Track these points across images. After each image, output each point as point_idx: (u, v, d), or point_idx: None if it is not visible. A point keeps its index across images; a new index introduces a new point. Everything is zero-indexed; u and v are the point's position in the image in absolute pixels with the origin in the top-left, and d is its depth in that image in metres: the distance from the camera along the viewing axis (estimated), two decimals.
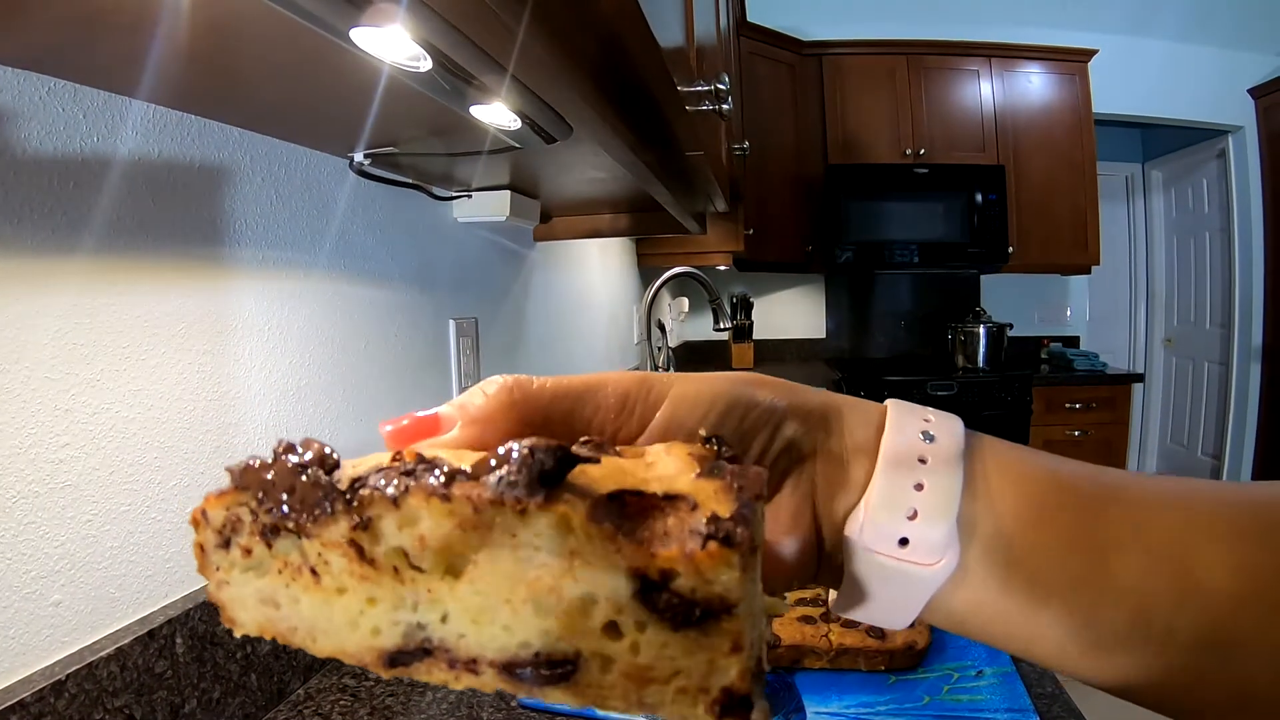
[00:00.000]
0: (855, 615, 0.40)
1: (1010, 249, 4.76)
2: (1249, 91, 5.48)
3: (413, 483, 0.26)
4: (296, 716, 0.97)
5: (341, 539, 0.28)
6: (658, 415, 0.38)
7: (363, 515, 0.27)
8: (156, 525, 0.87)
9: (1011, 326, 4.91)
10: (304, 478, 0.28)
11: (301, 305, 1.11)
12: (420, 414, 0.35)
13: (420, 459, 0.27)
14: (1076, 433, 4.60)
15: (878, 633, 1.03)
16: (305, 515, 0.28)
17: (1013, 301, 5.52)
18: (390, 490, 0.26)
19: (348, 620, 0.29)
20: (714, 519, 0.25)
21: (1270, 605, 0.34)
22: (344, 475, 0.28)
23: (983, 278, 5.51)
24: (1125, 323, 6.58)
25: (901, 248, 4.72)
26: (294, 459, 0.28)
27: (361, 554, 0.27)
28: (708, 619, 0.25)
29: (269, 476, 0.28)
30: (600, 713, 0.81)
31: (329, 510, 0.27)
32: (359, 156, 1.15)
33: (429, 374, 1.51)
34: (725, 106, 1.26)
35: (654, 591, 0.25)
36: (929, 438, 0.39)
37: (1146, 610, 0.35)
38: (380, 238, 1.32)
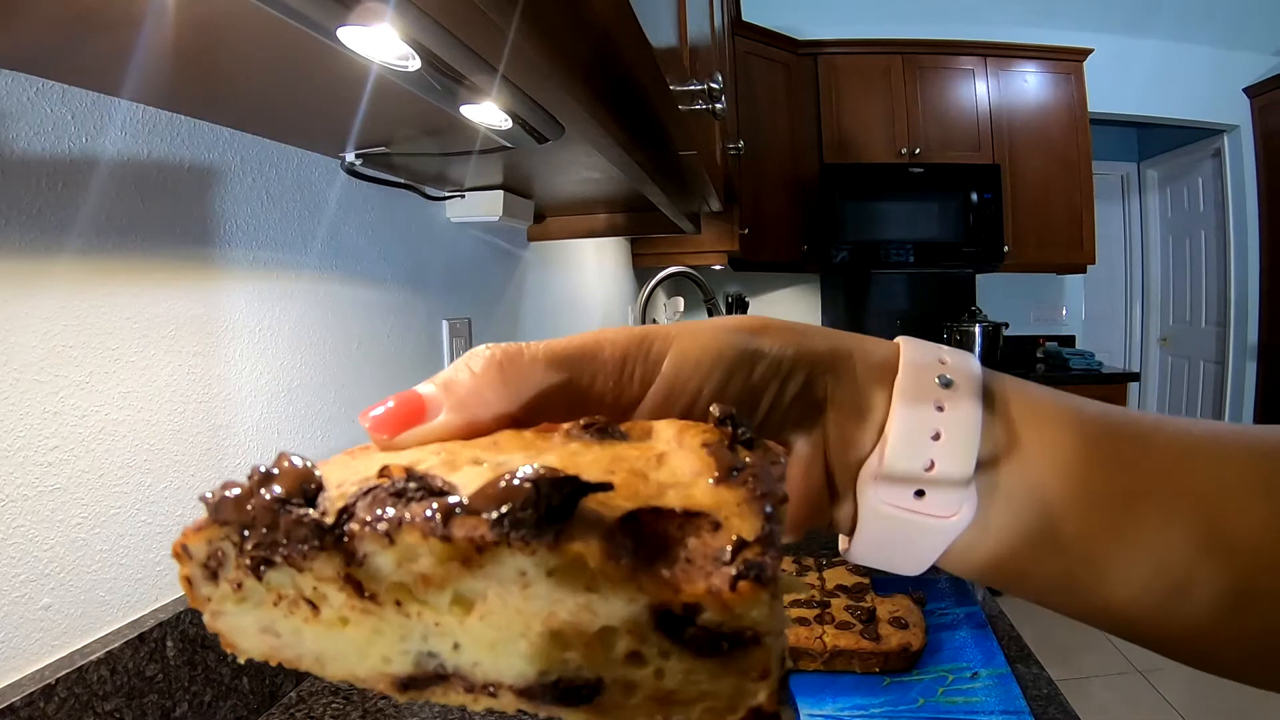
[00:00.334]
0: (868, 563, 0.39)
1: (1006, 248, 4.76)
2: (1244, 90, 5.48)
3: (406, 514, 0.24)
4: None
5: (336, 575, 0.26)
6: (659, 377, 0.35)
7: (353, 552, 0.25)
8: (147, 528, 0.86)
9: (1007, 326, 4.90)
10: (287, 513, 0.26)
11: (293, 306, 1.11)
12: (402, 396, 0.32)
13: (409, 475, 0.25)
14: None
15: (872, 635, 1.03)
16: (293, 551, 0.26)
17: (1008, 301, 5.53)
18: (382, 526, 0.24)
19: (355, 649, 0.27)
20: (739, 548, 0.23)
21: None
22: (329, 501, 0.26)
23: (978, 277, 5.51)
24: (1121, 322, 6.58)
25: (897, 247, 4.72)
26: (271, 492, 0.26)
27: (360, 589, 0.26)
28: (736, 649, 0.24)
29: (248, 509, 0.26)
30: None
31: (318, 546, 0.25)
32: (350, 156, 1.15)
33: (422, 375, 1.50)
34: (719, 106, 1.26)
35: (678, 623, 0.24)
36: (946, 382, 0.37)
37: (1171, 562, 0.35)
38: (372, 238, 1.32)
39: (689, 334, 0.36)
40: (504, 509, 0.23)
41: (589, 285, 2.91)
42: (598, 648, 0.25)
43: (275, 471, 0.26)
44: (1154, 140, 6.26)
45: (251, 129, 1.00)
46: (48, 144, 0.75)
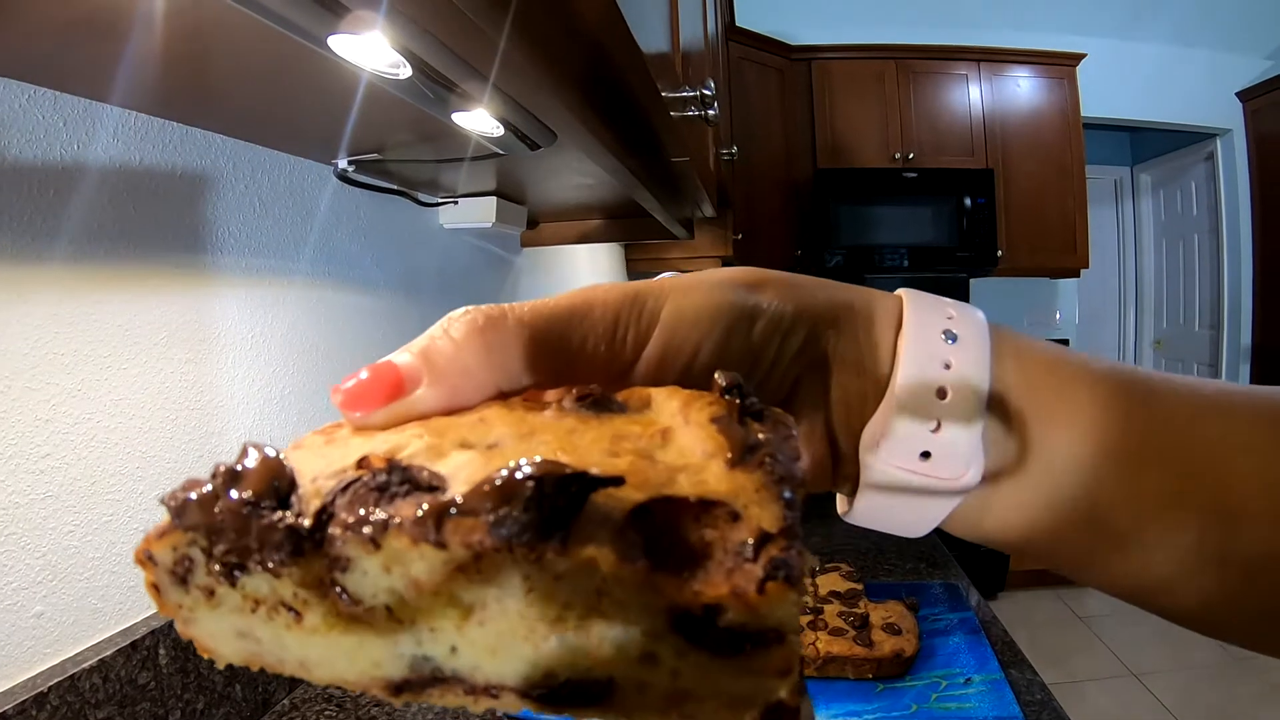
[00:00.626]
0: (869, 525, 0.38)
1: (999, 252, 4.77)
2: (1237, 94, 5.49)
3: (392, 515, 0.22)
4: None
5: (317, 581, 0.23)
6: (653, 338, 0.33)
7: (335, 557, 0.23)
8: (139, 536, 0.86)
9: None
10: (259, 517, 0.23)
11: (285, 312, 1.11)
12: (376, 367, 0.28)
13: (392, 467, 0.23)
14: None
15: (865, 641, 1.03)
16: (268, 557, 0.23)
17: (1002, 305, 5.54)
18: (366, 530, 0.22)
19: (342, 654, 0.25)
20: (761, 543, 0.21)
21: None
22: (304, 499, 0.23)
23: (972, 281, 5.52)
24: (1115, 325, 6.59)
25: (891, 251, 4.72)
26: (239, 493, 0.23)
27: (345, 593, 0.23)
28: (758, 648, 0.22)
29: (215, 513, 0.23)
30: None
31: (297, 551, 0.23)
32: (342, 163, 1.15)
33: None
34: (711, 112, 1.26)
35: (696, 624, 0.22)
36: (951, 337, 0.35)
37: (1178, 524, 0.34)
38: (365, 244, 1.32)
39: (683, 290, 0.34)
40: (504, 511, 0.21)
41: None
42: (609, 650, 0.23)
43: (241, 470, 0.24)
44: (1147, 144, 6.28)
45: (243, 135, 1.00)
46: (39, 150, 0.75)
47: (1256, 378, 5.48)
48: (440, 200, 1.55)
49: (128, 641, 0.81)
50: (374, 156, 1.12)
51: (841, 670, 1.02)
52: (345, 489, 0.23)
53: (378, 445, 0.25)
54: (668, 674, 0.23)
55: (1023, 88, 4.96)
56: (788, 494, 0.23)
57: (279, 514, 0.23)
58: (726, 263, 3.89)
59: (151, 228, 0.88)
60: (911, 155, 4.82)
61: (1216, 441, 0.34)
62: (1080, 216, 4.96)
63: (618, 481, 0.22)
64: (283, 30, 0.57)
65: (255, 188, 1.04)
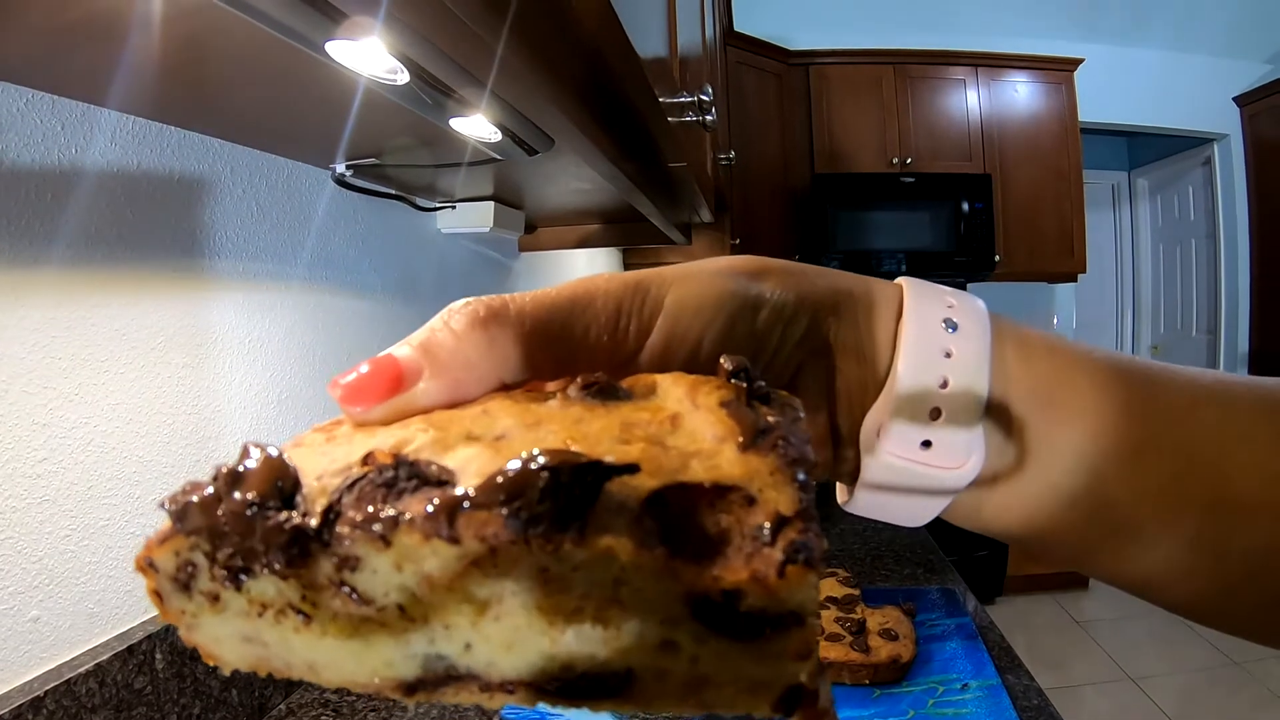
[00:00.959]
0: (869, 514, 0.38)
1: (997, 257, 4.77)
2: (1234, 99, 5.50)
3: (402, 512, 0.21)
4: None
5: (327, 581, 0.23)
6: (656, 327, 0.33)
7: (344, 556, 0.22)
8: (136, 540, 0.86)
9: None
10: (264, 519, 0.22)
11: (282, 317, 1.11)
12: (376, 361, 0.28)
13: (399, 463, 0.23)
14: None
15: (862, 646, 1.03)
16: (274, 560, 0.22)
17: (999, 309, 5.25)
18: (376, 528, 0.21)
19: (352, 656, 0.24)
20: (779, 526, 0.21)
21: None
22: (309, 498, 0.23)
23: (970, 286, 5.51)
24: (1112, 330, 6.60)
25: (889, 256, 4.73)
26: (242, 495, 0.23)
27: (355, 593, 0.23)
28: (778, 632, 0.22)
29: (218, 516, 0.23)
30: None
31: (304, 552, 0.22)
32: (340, 167, 1.15)
33: None
34: (709, 118, 1.26)
35: (716, 610, 0.22)
36: (952, 326, 0.35)
37: (1176, 514, 0.34)
38: (362, 249, 1.32)
39: (685, 279, 0.34)
40: (518, 503, 0.20)
41: None
42: (628, 640, 0.22)
43: (242, 470, 0.23)
44: (1144, 149, 6.29)
45: (241, 140, 1.00)
46: (37, 154, 0.75)
47: None
48: (438, 205, 1.55)
49: (124, 646, 0.81)
50: (372, 161, 1.12)
51: (838, 676, 1.02)
52: (352, 486, 0.23)
53: (381, 441, 0.25)
54: (687, 661, 0.23)
55: (1020, 93, 4.96)
56: (802, 476, 0.23)
57: (284, 514, 0.22)
58: None
59: (149, 232, 0.88)
60: (909, 160, 4.82)
61: (1215, 431, 0.34)
62: (1078, 221, 4.96)
63: (633, 469, 0.22)
64: (280, 36, 0.57)
65: (253, 192, 1.04)
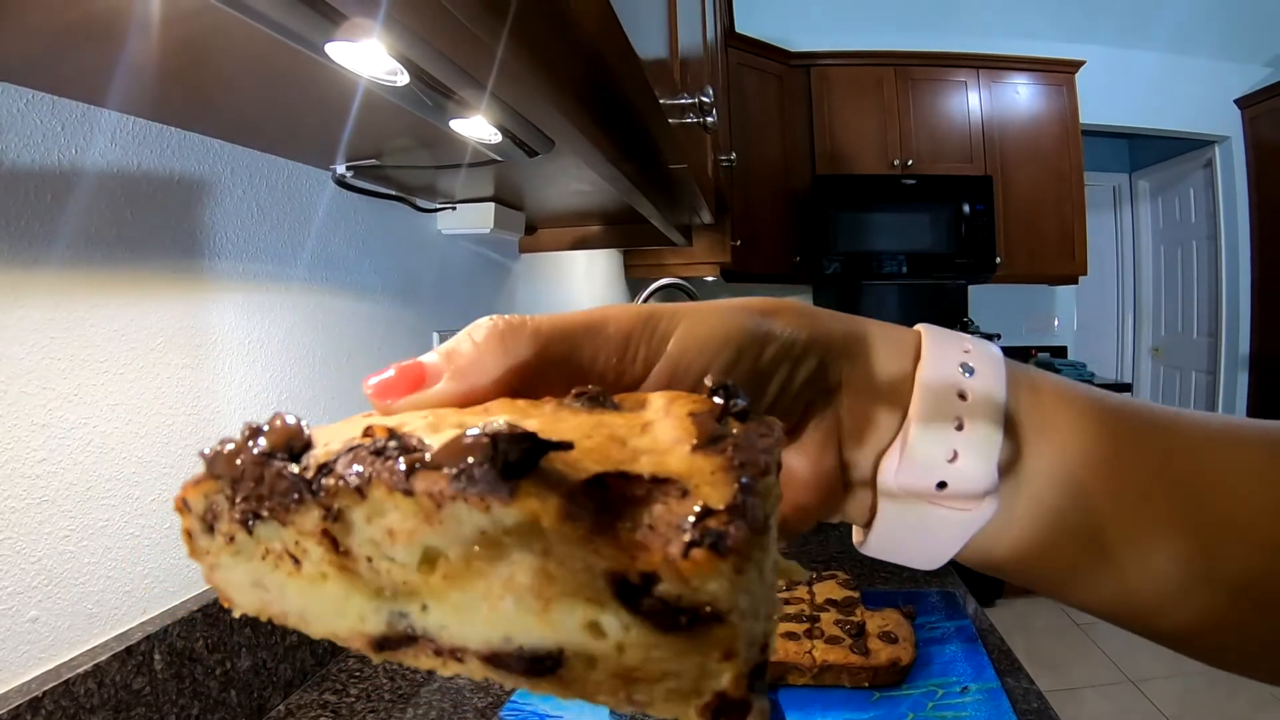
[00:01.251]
0: (884, 556, 0.38)
1: (998, 259, 4.77)
2: (1235, 102, 5.51)
3: (378, 470, 0.24)
4: None
5: (314, 529, 0.26)
6: (663, 357, 0.34)
7: (329, 507, 0.25)
8: (135, 540, 0.86)
9: (999, 337, 4.91)
10: (271, 466, 0.26)
11: (282, 318, 1.11)
12: (404, 364, 0.32)
13: (391, 435, 0.25)
14: None
15: (861, 649, 1.03)
16: (277, 504, 0.26)
17: (1000, 312, 5.54)
18: (354, 480, 0.24)
19: (333, 606, 0.27)
20: (703, 516, 0.22)
21: None
22: (313, 457, 0.26)
23: (970, 288, 5.52)
24: (1113, 332, 6.60)
25: (889, 258, 4.73)
26: (259, 447, 0.26)
27: (336, 544, 0.26)
28: (696, 624, 0.22)
29: (239, 464, 0.27)
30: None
31: (298, 499, 0.26)
32: (340, 168, 1.15)
33: None
34: (710, 119, 1.26)
35: (636, 594, 0.22)
36: (968, 370, 0.36)
37: (1187, 553, 0.34)
38: (363, 250, 1.32)
39: (697, 314, 0.35)
40: (462, 464, 0.23)
41: (580, 297, 2.91)
42: (556, 616, 0.24)
43: (265, 427, 0.27)
44: (1145, 151, 6.29)
45: (241, 141, 1.00)
46: (37, 155, 0.75)
47: (1254, 385, 5.49)
48: (438, 206, 1.55)
49: (123, 647, 0.81)
50: (372, 162, 1.12)
51: (838, 678, 1.02)
52: (349, 452, 0.25)
53: (387, 422, 0.27)
54: (614, 648, 0.23)
55: (1022, 94, 4.97)
56: (745, 479, 0.23)
57: (287, 465, 0.26)
58: (724, 269, 3.89)
59: (149, 232, 0.88)
60: (910, 162, 4.82)
61: (1222, 469, 0.35)
62: (1079, 223, 4.96)
63: (566, 446, 0.23)
64: (280, 37, 0.57)
65: (253, 193, 1.04)
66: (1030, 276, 5.04)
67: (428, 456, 0.24)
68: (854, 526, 0.40)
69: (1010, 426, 0.36)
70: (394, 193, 1.38)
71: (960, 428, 0.35)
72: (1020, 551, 0.36)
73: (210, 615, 0.91)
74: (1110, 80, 5.32)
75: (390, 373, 0.31)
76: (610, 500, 0.23)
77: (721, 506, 0.22)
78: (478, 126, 0.84)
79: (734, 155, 2.84)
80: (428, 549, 0.24)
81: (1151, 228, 6.48)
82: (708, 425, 0.26)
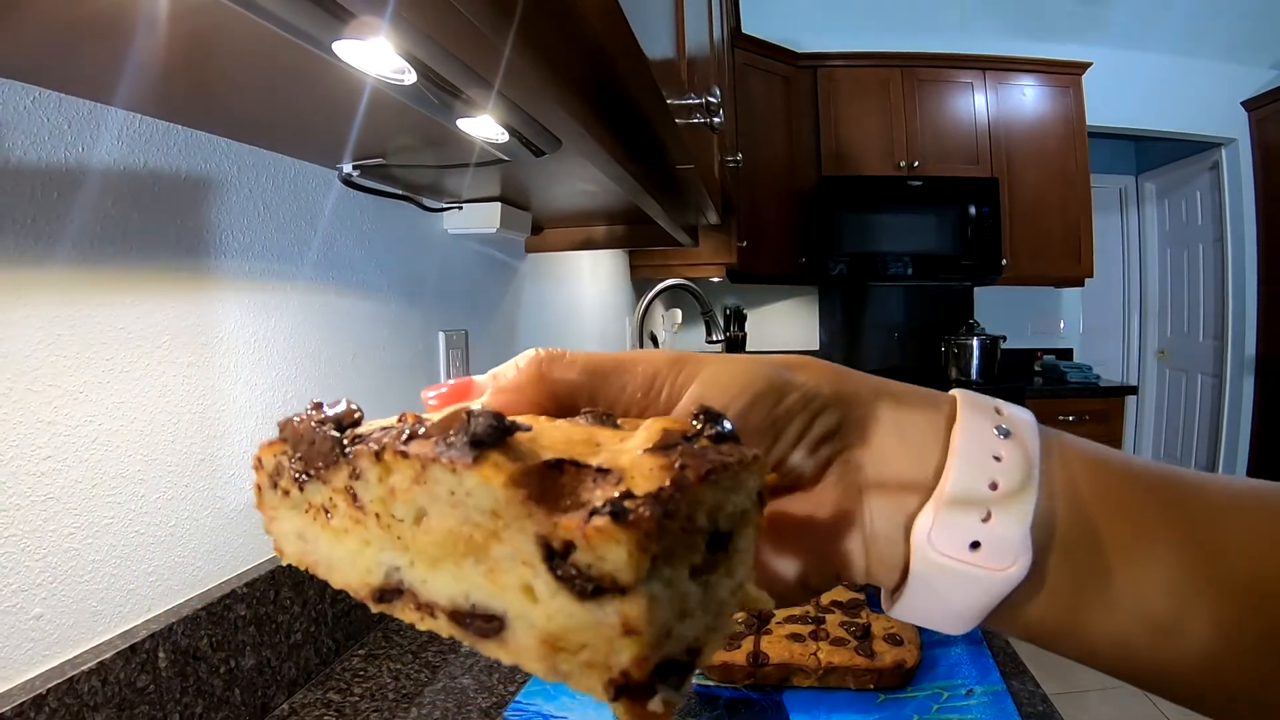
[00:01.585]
0: (912, 619, 0.38)
1: (1004, 261, 4.77)
2: (1242, 104, 5.50)
3: (390, 438, 0.29)
4: None
5: (343, 486, 0.31)
6: (685, 397, 0.36)
7: (355, 466, 0.30)
8: (140, 539, 0.86)
9: (1005, 339, 4.91)
10: (321, 433, 0.31)
11: (287, 316, 1.11)
12: (459, 379, 0.38)
13: (418, 421, 0.29)
14: None
15: (867, 651, 1.03)
16: (320, 465, 0.31)
17: (1006, 314, 5.53)
18: (373, 445, 0.29)
19: (349, 558, 0.32)
20: (623, 497, 0.24)
21: None
22: (354, 432, 0.31)
23: (976, 290, 5.52)
24: (1118, 335, 6.59)
25: (895, 260, 4.73)
26: (318, 415, 0.32)
27: (355, 500, 0.30)
28: (602, 595, 0.25)
29: (300, 430, 0.32)
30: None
31: (335, 461, 0.31)
32: (347, 167, 1.15)
33: (417, 386, 1.49)
34: (716, 120, 1.26)
35: (559, 560, 0.25)
36: (1004, 433, 0.36)
37: (1225, 617, 0.34)
38: (369, 249, 1.32)
39: (721, 361, 0.37)
40: (444, 434, 0.27)
41: (586, 297, 2.91)
42: (500, 576, 0.27)
43: (326, 404, 0.33)
44: (1152, 153, 6.28)
45: (247, 139, 1.00)
46: (43, 152, 0.75)
47: (1260, 388, 5.48)
48: (445, 205, 1.55)
49: (127, 645, 0.81)
50: (378, 161, 1.12)
51: (843, 680, 1.02)
52: (381, 430, 0.30)
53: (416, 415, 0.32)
54: (545, 615, 0.26)
55: (1028, 96, 4.96)
56: (678, 476, 0.26)
57: (333, 432, 0.31)
58: (730, 269, 3.90)
59: (155, 230, 0.88)
60: (916, 163, 4.82)
61: (1251, 532, 0.35)
62: (1085, 225, 4.96)
63: (525, 428, 0.28)
64: (287, 35, 0.57)
65: (259, 191, 1.04)
66: (1036, 279, 5.04)
67: (422, 430, 0.28)
68: (882, 592, 0.40)
69: (1041, 489, 0.36)
70: (400, 192, 1.38)
71: (994, 487, 0.35)
72: (1050, 615, 0.36)
73: (214, 614, 0.91)
74: (1117, 82, 5.32)
75: (444, 388, 0.37)
76: (560, 482, 0.26)
77: (642, 494, 0.25)
78: (485, 126, 0.83)
79: (740, 156, 2.84)
80: (418, 508, 0.28)
81: (1158, 230, 6.47)
82: (671, 436, 0.29)
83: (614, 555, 0.24)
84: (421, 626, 0.30)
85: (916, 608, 0.37)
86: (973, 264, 4.74)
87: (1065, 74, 4.97)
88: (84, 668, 0.76)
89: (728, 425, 0.30)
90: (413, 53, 0.61)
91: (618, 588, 0.24)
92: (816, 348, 5.57)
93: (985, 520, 0.35)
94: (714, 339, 2.99)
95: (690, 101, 1.24)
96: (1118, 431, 4.77)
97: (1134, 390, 5.10)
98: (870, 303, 5.52)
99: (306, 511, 0.33)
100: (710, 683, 1.04)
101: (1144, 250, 6.51)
